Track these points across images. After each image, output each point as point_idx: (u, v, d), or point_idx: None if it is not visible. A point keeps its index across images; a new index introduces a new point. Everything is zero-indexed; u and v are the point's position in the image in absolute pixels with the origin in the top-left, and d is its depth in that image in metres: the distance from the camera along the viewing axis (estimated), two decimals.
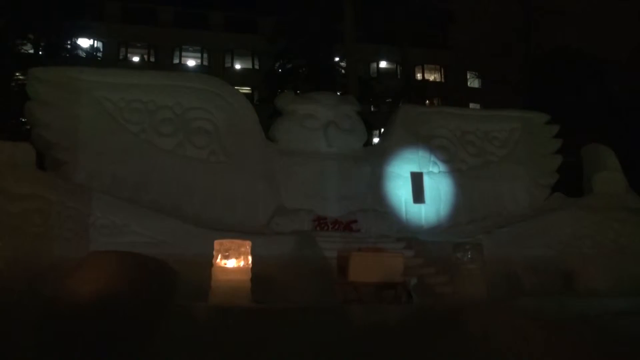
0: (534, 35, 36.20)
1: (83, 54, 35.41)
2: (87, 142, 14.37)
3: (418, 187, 17.33)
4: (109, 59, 41.92)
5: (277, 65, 37.91)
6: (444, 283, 12.86)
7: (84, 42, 38.54)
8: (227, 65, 47.38)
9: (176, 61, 46.50)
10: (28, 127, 18.95)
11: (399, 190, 17.23)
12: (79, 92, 14.65)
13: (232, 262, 10.00)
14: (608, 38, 35.33)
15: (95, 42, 43.09)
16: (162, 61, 44.79)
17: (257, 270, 10.37)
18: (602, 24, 36.06)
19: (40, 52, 31.52)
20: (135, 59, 46.14)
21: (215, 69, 42.90)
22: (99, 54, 42.51)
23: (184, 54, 47.24)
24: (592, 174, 17.57)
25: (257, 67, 46.85)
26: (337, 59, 37.51)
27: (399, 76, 44.83)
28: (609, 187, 17.23)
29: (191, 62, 47.20)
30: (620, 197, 17.13)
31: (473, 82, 51.30)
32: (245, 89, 41.06)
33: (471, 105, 42.70)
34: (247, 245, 10.26)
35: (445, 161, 17.88)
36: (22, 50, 31.01)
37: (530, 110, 20.54)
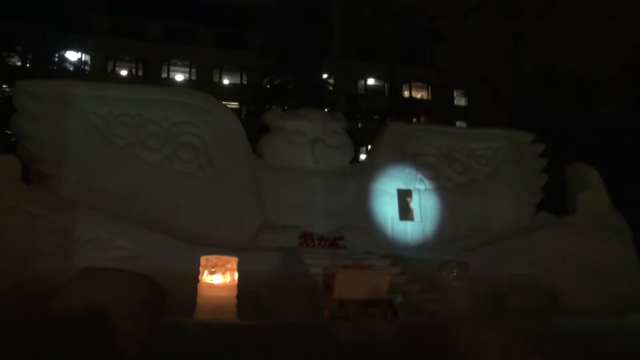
0: (522, 55, 36.58)
1: (71, 67, 35.31)
2: (73, 155, 14.31)
3: (406, 204, 17.40)
4: (97, 73, 41.77)
5: (265, 81, 38.00)
6: (430, 300, 12.86)
7: (72, 55, 38.44)
8: (216, 80, 47.41)
9: (164, 75, 46.47)
10: (14, 139, 18.86)
11: (385, 207, 17.28)
12: (66, 105, 14.60)
13: (219, 278, 9.95)
14: (595, 59, 35.81)
15: (83, 55, 42.96)
16: (150, 75, 44.74)
17: (243, 286, 10.33)
18: (589, 45, 36.56)
19: (27, 65, 31.38)
20: (123, 72, 46.07)
21: (203, 83, 42.83)
22: (87, 67, 42.35)
23: (172, 68, 47.25)
24: (577, 193, 17.73)
25: (245, 82, 46.92)
26: (325, 75, 37.71)
27: (386, 93, 45.10)
28: (593, 206, 17.39)
29: (179, 77, 47.20)
30: (604, 216, 17.30)
31: (460, 101, 51.71)
32: (233, 104, 41.10)
33: (458, 123, 42.92)
34: (233, 261, 10.22)
35: (432, 179, 17.97)
36: (10, 62, 30.87)
37: (516, 129, 20.72)
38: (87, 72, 40.66)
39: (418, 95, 50.49)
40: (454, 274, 11.91)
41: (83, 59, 42.60)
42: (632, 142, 29.92)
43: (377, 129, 23.21)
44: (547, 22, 34.42)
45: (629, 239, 17.25)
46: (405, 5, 35.80)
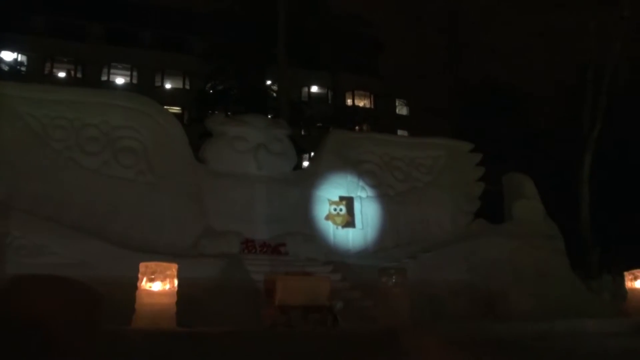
0: (460, 66, 37.55)
1: (6, 68, 34.32)
2: (7, 158, 13.85)
3: (348, 212, 17.55)
4: (33, 74, 40.57)
5: (208, 86, 37.73)
6: (370, 307, 13.01)
7: (7, 55, 37.29)
8: (157, 84, 46.76)
9: (104, 78, 45.53)
10: None
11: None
12: (0, 107, 14.14)
13: (158, 285, 9.83)
14: (531, 72, 37.10)
15: (19, 55, 41.71)
16: (90, 78, 43.73)
17: (183, 293, 10.22)
18: (525, 59, 37.83)
19: None
20: (62, 74, 44.89)
21: (144, 87, 42.14)
22: (23, 68, 41.14)
23: (112, 71, 46.34)
24: (512, 201, 18.28)
25: (187, 87, 46.46)
26: (268, 82, 37.74)
27: (329, 101, 45.48)
28: (527, 214, 17.97)
29: (120, 80, 46.33)
30: (537, 224, 17.89)
31: (401, 110, 52.60)
32: (175, 109, 40.67)
33: (399, 132, 43.69)
34: (173, 268, 10.11)
35: (373, 186, 18.17)
36: None
37: (454, 139, 21.19)
38: (23, 73, 39.51)
39: (361, 103, 51.09)
40: (393, 281, 12.07)
41: (19, 59, 41.37)
42: (567, 151, 31.10)
43: (320, 136, 23.32)
44: (486, 36, 35.46)
45: (561, 246, 17.91)
46: (348, 14, 36.25)
